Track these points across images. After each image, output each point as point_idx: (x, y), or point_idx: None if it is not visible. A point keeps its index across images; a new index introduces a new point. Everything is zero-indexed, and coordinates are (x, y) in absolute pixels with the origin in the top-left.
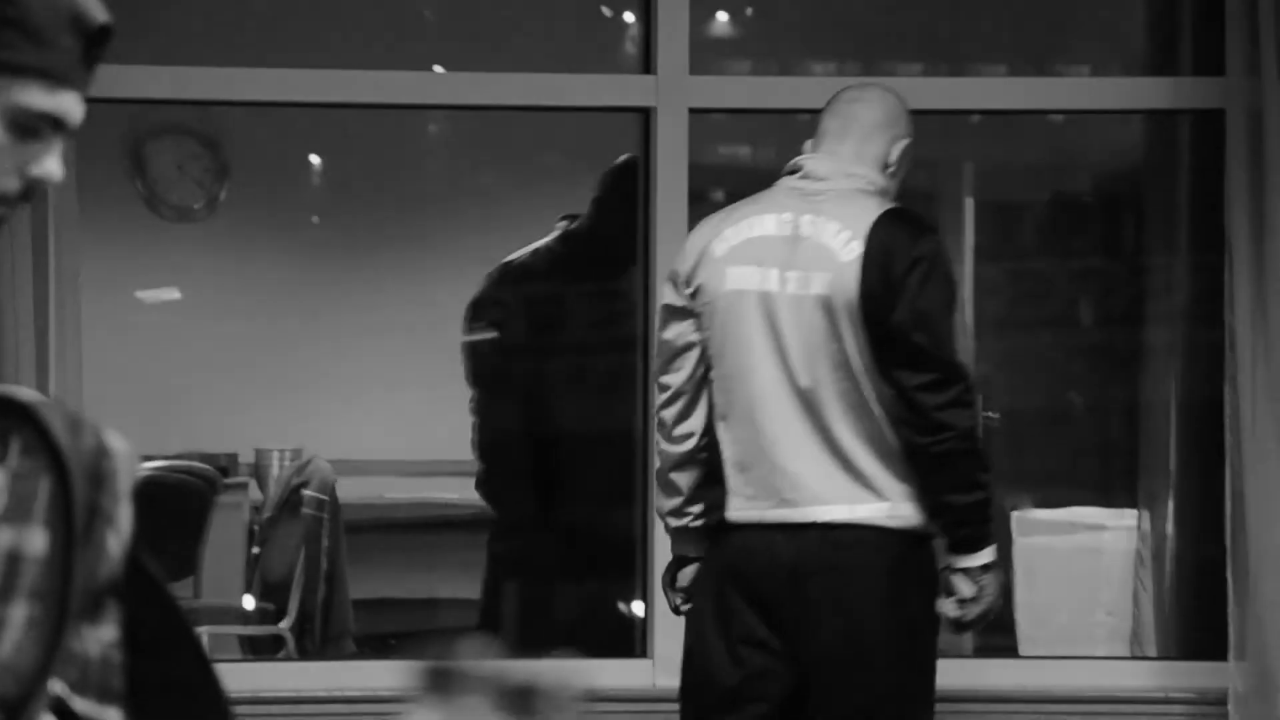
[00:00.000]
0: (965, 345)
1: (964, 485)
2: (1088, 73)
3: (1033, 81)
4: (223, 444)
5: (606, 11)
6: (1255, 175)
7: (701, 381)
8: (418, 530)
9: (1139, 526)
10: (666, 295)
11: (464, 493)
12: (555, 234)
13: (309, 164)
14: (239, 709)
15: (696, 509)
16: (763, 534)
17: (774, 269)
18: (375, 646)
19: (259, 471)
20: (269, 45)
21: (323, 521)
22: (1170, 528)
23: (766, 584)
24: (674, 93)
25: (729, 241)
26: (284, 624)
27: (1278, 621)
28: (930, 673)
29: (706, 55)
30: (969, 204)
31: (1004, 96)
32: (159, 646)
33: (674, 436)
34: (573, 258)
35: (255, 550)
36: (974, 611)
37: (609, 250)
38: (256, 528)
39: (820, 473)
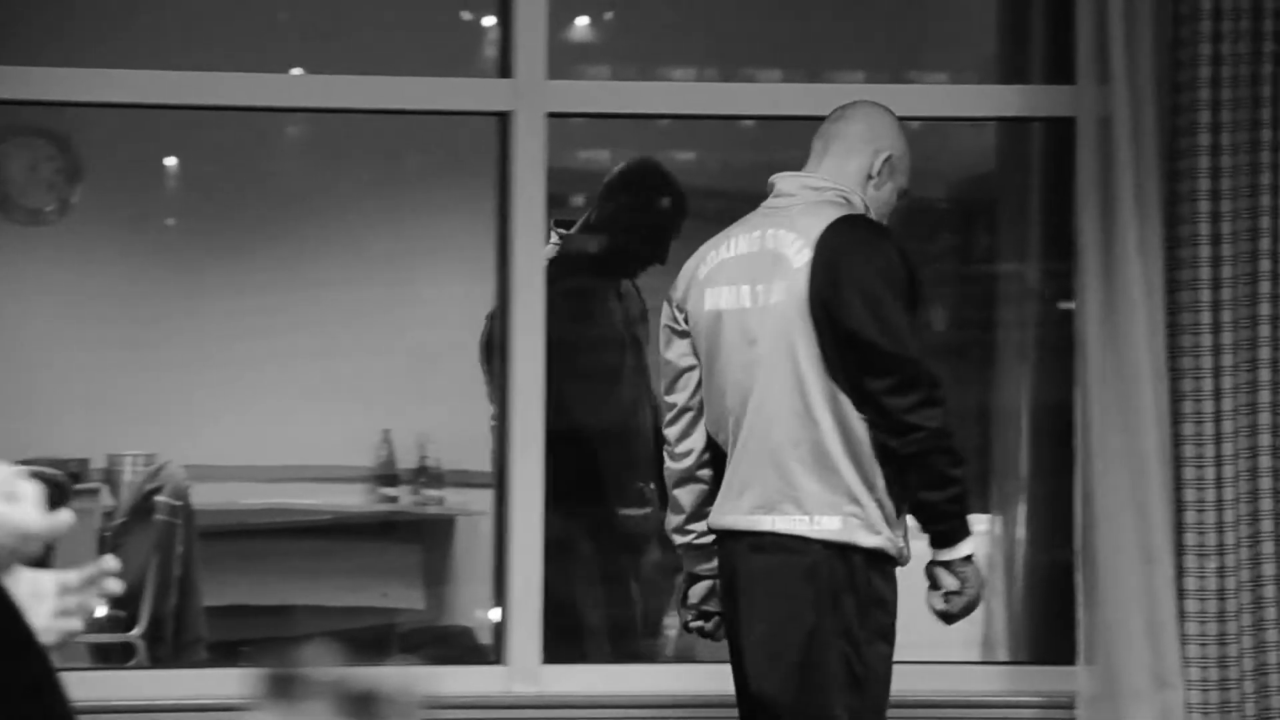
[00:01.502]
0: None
1: (938, 482)
2: (944, 80)
3: (889, 88)
4: (74, 449)
5: (466, 15)
6: (1104, 182)
7: (702, 400)
8: (272, 536)
9: (990, 531)
10: (665, 317)
11: (320, 498)
12: (555, 242)
13: (164, 167)
14: (90, 718)
15: (699, 526)
16: (725, 542)
17: (745, 285)
18: (228, 654)
19: (111, 477)
20: (124, 46)
21: (175, 528)
22: (1021, 532)
23: (726, 592)
24: (532, 97)
25: (709, 264)
26: (135, 631)
27: (1126, 626)
28: (853, 683)
29: (566, 60)
30: None
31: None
32: (2, 652)
33: (675, 454)
34: (582, 259)
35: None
36: (959, 603)
37: (614, 250)
38: (108, 534)
39: (762, 483)
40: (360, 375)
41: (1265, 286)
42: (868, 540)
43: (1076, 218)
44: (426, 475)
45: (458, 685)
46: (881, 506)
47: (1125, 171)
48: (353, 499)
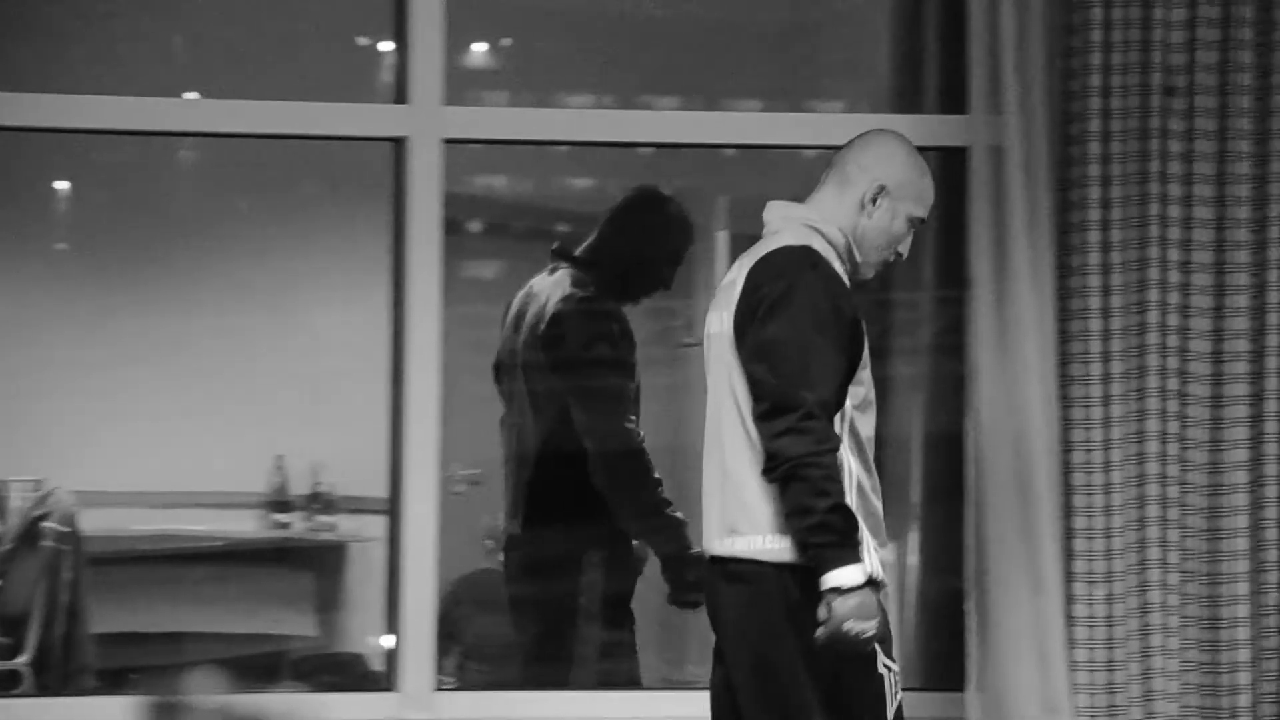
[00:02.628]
0: (825, 374)
1: (798, 511)
2: (839, 109)
3: (784, 117)
4: None
5: (362, 40)
6: (997, 212)
7: None
8: (162, 562)
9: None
10: None
11: (211, 524)
12: (564, 269)
13: (55, 190)
14: None
15: None
16: (705, 571)
17: (714, 312)
18: (116, 681)
19: None
20: (13, 69)
21: (63, 554)
22: (913, 559)
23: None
24: (428, 123)
25: (717, 290)
26: (21, 659)
27: (1016, 653)
28: (834, 706)
29: (463, 85)
30: (722, 237)
31: (757, 132)
32: None
33: None
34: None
35: None
36: (821, 635)
37: (621, 275)
38: None
39: (717, 507)
40: (253, 400)
41: (1154, 316)
42: (781, 555)
43: (969, 247)
44: (320, 501)
45: (349, 712)
46: (793, 534)
47: (1017, 201)
48: (245, 525)
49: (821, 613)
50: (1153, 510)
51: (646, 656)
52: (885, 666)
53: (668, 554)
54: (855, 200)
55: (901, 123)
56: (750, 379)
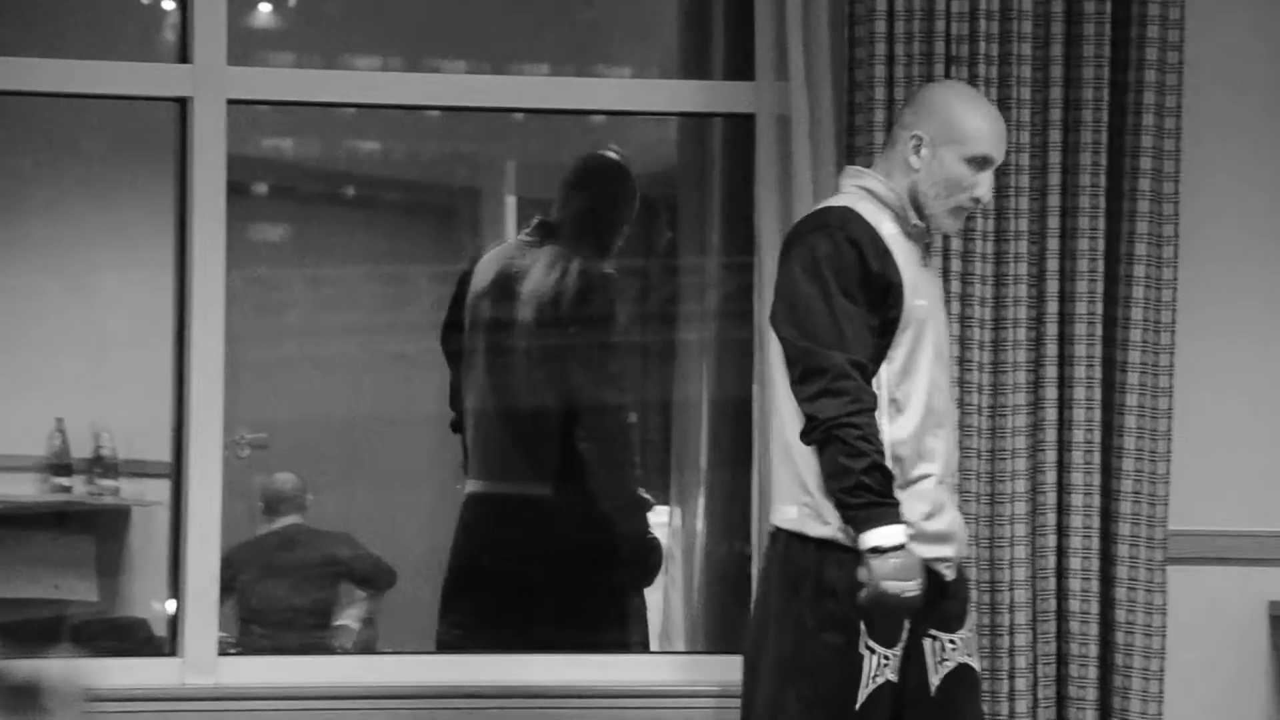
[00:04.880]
0: (848, 334)
1: (835, 472)
2: (627, 75)
3: (571, 81)
4: None
5: None
6: (783, 179)
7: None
8: None
9: (669, 523)
10: None
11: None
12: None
13: None
14: None
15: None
16: None
17: None
18: None
19: None
20: None
21: None
22: (700, 524)
23: None
24: (211, 83)
25: None
26: None
27: None
28: (804, 672)
29: (249, 46)
30: (511, 201)
31: (544, 96)
32: None
33: None
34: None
35: None
36: (862, 596)
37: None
38: None
39: (772, 478)
40: (33, 363)
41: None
42: (816, 530)
43: (756, 214)
44: (101, 465)
45: (131, 678)
46: (832, 496)
47: (803, 169)
48: (24, 489)
49: (861, 574)
50: None
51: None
52: (868, 648)
53: (631, 532)
54: (901, 158)
55: (688, 89)
56: (781, 344)
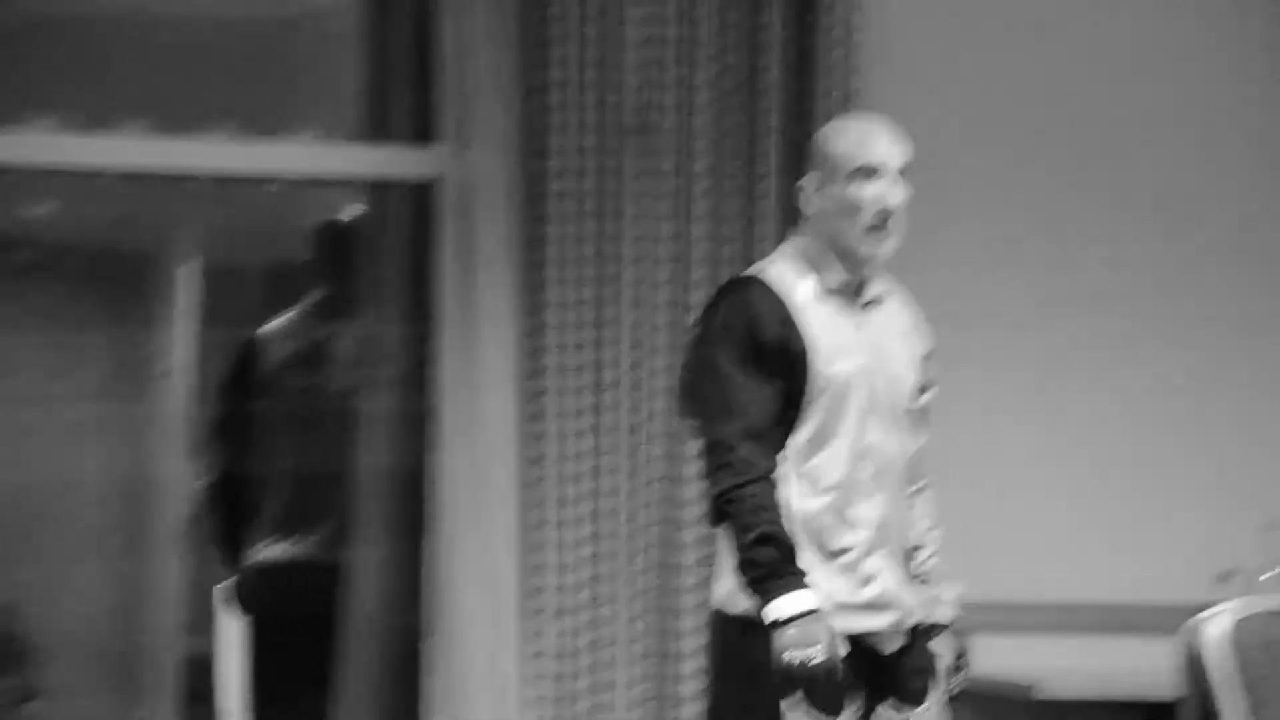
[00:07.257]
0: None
1: (734, 549)
2: (312, 138)
3: (253, 146)
4: None
5: None
6: (464, 247)
7: None
8: None
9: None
10: None
11: None
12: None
13: None
14: None
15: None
16: None
17: None
18: None
19: None
20: None
21: None
22: (373, 598)
23: None
24: None
25: None
26: None
27: (472, 690)
28: None
29: None
30: (192, 267)
31: (226, 159)
32: None
33: None
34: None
35: None
36: (774, 670)
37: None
38: None
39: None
40: None
41: (609, 353)
42: (735, 607)
43: (436, 282)
44: None
45: None
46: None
47: (485, 237)
48: None
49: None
50: (605, 545)
51: None
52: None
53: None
54: (805, 214)
55: (371, 154)
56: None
